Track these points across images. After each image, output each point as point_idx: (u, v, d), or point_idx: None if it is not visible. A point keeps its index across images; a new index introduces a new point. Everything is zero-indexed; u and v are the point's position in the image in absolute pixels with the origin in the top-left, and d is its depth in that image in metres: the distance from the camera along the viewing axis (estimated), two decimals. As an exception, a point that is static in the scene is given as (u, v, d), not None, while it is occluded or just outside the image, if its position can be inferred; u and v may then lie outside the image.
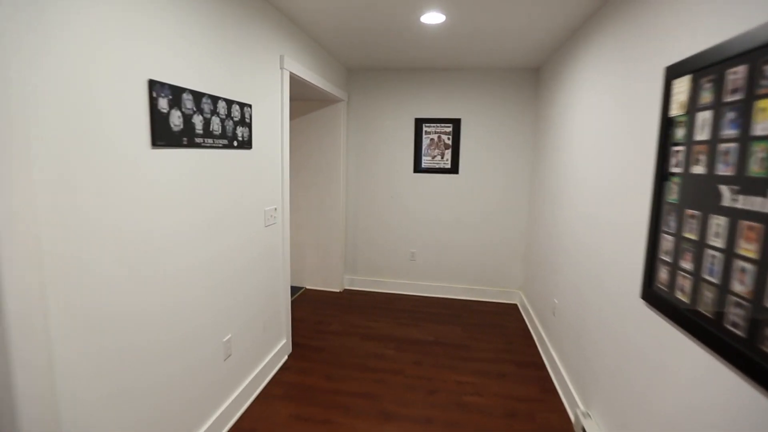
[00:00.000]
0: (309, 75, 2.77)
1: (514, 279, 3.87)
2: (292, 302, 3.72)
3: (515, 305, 3.82)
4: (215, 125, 1.74)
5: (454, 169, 3.81)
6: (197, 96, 1.60)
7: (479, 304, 3.83)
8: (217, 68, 1.75)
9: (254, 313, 2.24)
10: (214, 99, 1.72)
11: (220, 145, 1.80)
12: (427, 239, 3.95)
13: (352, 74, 3.85)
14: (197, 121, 1.61)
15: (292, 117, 3.88)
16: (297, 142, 3.90)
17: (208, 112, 1.69)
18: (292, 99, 3.77)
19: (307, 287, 4.12)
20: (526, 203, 3.74)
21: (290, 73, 2.47)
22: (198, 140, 1.63)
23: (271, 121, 2.30)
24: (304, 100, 3.80)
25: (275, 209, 2.40)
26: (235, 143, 1.91)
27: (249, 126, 2.03)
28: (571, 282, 2.33)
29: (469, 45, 2.92)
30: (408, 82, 3.77)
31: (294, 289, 4.04)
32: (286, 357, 2.69)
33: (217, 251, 1.84)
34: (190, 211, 1.62)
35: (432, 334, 3.12)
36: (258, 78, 2.11)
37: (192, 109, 1.58)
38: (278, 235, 2.48)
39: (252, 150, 2.09)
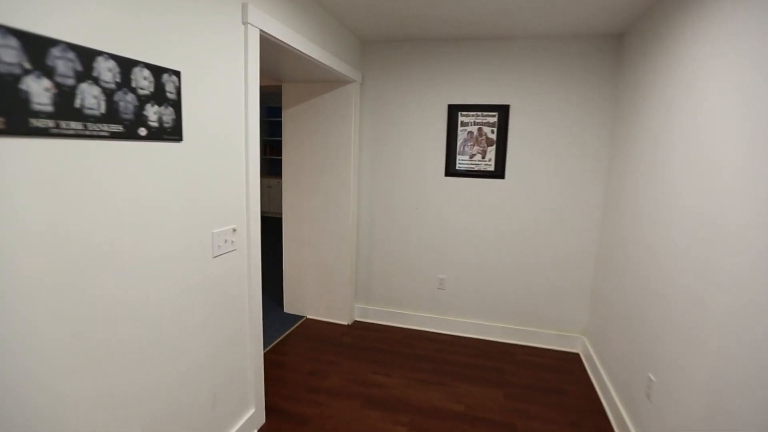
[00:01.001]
0: (297, 40, 2.06)
1: (576, 320, 2.98)
2: (287, 337, 3.04)
3: (577, 356, 2.93)
4: (89, 99, 1.06)
5: (498, 171, 2.99)
6: (37, 44, 0.93)
7: (527, 351, 2.98)
8: (100, 3, 1.07)
9: (194, 387, 1.56)
10: (88, 55, 1.04)
11: (106, 134, 1.11)
12: (460, 263, 3.15)
13: (367, 47, 3.11)
14: (36, 89, 0.94)
15: (288, 104, 3.20)
16: (295, 136, 3.22)
17: (71, 75, 1.01)
18: (288, 80, 3.09)
19: (309, 317, 3.43)
20: (596, 220, 2.85)
21: (260, 32, 1.77)
22: (42, 124, 0.95)
23: (226, 101, 1.61)
24: (303, 82, 3.11)
25: (234, 230, 1.71)
26: (144, 131, 1.23)
27: (175, 105, 1.34)
28: (686, 360, 1.47)
29: (523, 2, 2.10)
30: (440, 58, 2.98)
31: (292, 319, 3.36)
32: (254, 432, 2.00)
33: (103, 306, 1.16)
34: (45, 246, 0.95)
35: (462, 401, 2.33)
36: (197, 32, 1.42)
37: (21, 65, 0.90)
38: (240, 266, 1.79)
39: (183, 143, 1.40)
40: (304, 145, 3.21)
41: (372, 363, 2.72)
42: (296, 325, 3.27)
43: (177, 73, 1.34)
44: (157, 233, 1.32)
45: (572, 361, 2.86)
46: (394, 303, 3.34)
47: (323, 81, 3.04)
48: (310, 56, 2.24)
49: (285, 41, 1.95)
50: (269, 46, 2.03)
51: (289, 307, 3.49)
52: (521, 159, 2.93)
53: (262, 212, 8.59)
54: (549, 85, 2.81)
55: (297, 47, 2.07)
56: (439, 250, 3.18)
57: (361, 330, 3.23)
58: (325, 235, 3.26)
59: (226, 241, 1.66)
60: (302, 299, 3.43)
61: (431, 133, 3.07)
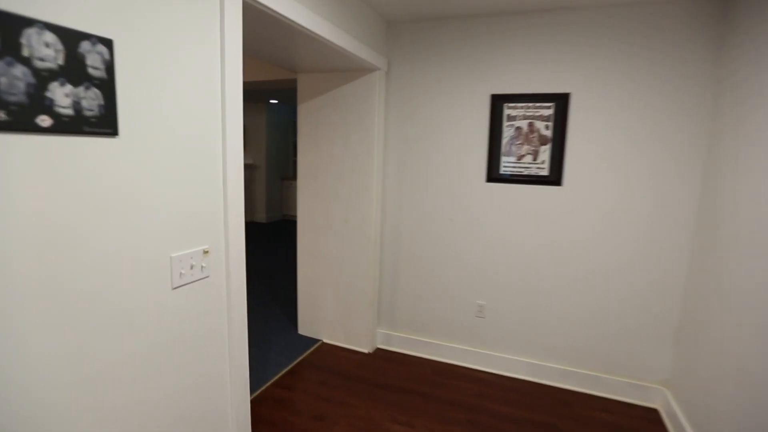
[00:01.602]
0: (302, 14, 1.69)
1: (656, 366, 2.39)
2: (297, 365, 2.68)
3: (656, 413, 2.35)
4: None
5: (554, 176, 2.47)
6: None
7: (589, 402, 2.43)
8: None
9: (140, 458, 1.21)
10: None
11: (-26, 123, 0.78)
12: (505, 287, 2.65)
13: (393, 29, 2.71)
14: None
15: (303, 98, 2.85)
16: (312, 134, 2.87)
17: None
18: (303, 70, 2.74)
19: (325, 340, 3.06)
20: (684, 241, 2.26)
21: (243, -3, 1.41)
22: None
23: (194, 86, 1.26)
24: (319, 72, 2.75)
25: (205, 252, 1.35)
26: (47, 121, 0.89)
27: (103, 86, 1.00)
28: None
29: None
30: (481, 37, 2.52)
31: (306, 343, 3.01)
32: (236, 502, 1.63)
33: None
34: None
35: (504, 473, 1.85)
36: (143, -11, 1.08)
37: None
38: (215, 296, 1.43)
39: (120, 139, 1.06)
40: (321, 144, 2.85)
41: (391, 407, 2.29)
42: (309, 351, 2.91)
43: (107, 42, 0.99)
44: (77, 264, 0.98)
45: (649, 421, 2.28)
46: (423, 330, 2.90)
47: (342, 70, 2.67)
48: (319, 35, 1.86)
49: (283, 13, 1.59)
50: (272, 24, 1.67)
51: (303, 329, 3.14)
52: (584, 161, 2.40)
53: (286, 215, 8.42)
54: (623, 67, 2.26)
55: (301, 22, 1.70)
56: (478, 270, 2.70)
57: (382, 360, 2.81)
58: (343, 248, 2.88)
59: (193, 266, 1.30)
60: (318, 320, 3.07)
61: (470, 129, 2.60)
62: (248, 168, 7.95)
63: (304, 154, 2.93)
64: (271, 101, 7.25)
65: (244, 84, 4.19)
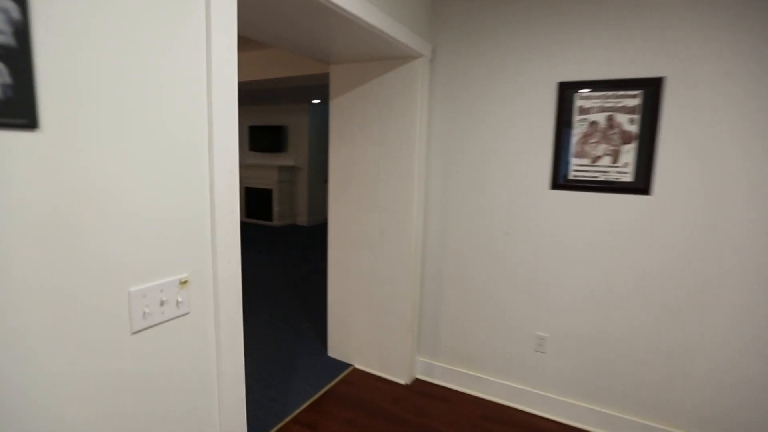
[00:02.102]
0: (318, -22, 1.34)
1: (783, 435, 1.80)
2: (323, 396, 2.34)
3: (783, 496, 1.76)
4: None
5: (641, 183, 1.95)
6: None
7: (686, 473, 1.88)
8: None
9: None
10: None
11: None
12: (572, 317, 2.16)
13: (440, 8, 2.30)
14: None
15: (336, 92, 2.52)
16: (344, 133, 2.53)
17: None
18: (335, 60, 2.40)
19: (357, 366, 2.71)
20: (833, 270, 1.67)
21: (237, -52, 1.08)
22: None
23: (166, 64, 0.94)
24: (353, 62, 2.40)
25: (182, 283, 1.03)
26: None
27: (13, 57, 0.69)
28: None
29: None
30: (547, 12, 2.06)
31: (335, 368, 2.67)
32: None
33: None
34: None
35: None
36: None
37: None
38: (199, 339, 1.11)
39: (43, 134, 0.75)
40: (354, 145, 2.50)
41: (431, 461, 1.88)
42: (339, 378, 2.56)
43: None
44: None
45: None
46: (471, 362, 2.46)
47: (379, 58, 2.30)
48: (351, 12, 1.51)
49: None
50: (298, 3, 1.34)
51: (334, 351, 2.80)
52: (682, 164, 1.86)
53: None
54: (737, 39, 1.71)
55: (318, -11, 1.35)
56: (539, 296, 2.22)
57: (421, 395, 2.40)
58: (379, 263, 2.51)
59: (164, 302, 0.98)
60: (349, 343, 2.72)
61: (532, 126, 2.14)
62: (289, 170, 7.83)
63: (336, 155, 2.59)
64: (314, 101, 7.06)
65: (280, 81, 3.95)
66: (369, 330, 2.61)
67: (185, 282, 1.03)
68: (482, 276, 2.36)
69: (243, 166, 8.06)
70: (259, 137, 8.08)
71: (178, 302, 1.02)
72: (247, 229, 7.37)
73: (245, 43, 3.67)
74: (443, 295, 2.50)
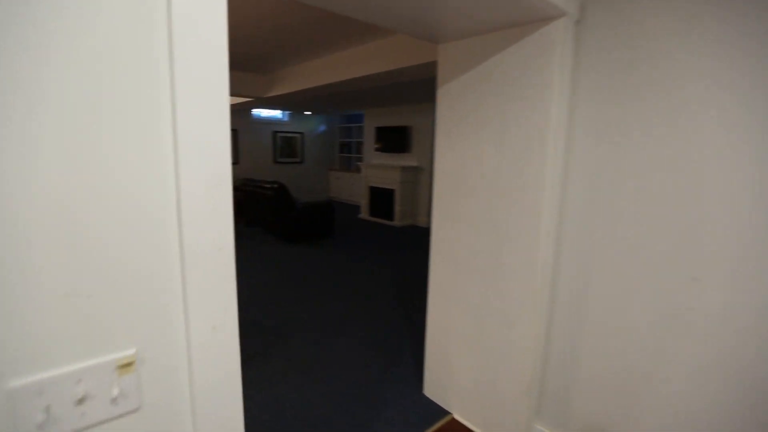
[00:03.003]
0: None
1: None
2: (405, 457, 1.84)
3: None
4: None
5: None
6: None
7: None
8: None
9: None
10: None
11: None
12: (825, 440, 1.19)
13: (600, -52, 1.53)
14: None
15: (446, 77, 1.94)
16: (453, 130, 1.94)
17: None
18: (445, 37, 1.82)
19: (455, 416, 2.12)
20: None
21: None
22: None
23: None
24: (467, 37, 1.79)
25: (122, 367, 0.63)
26: None
27: None
28: None
29: None
30: None
31: (429, 413, 2.13)
32: None
33: None
34: None
35: None
36: None
37: None
38: (166, 441, 0.70)
39: None
40: (466, 144, 1.90)
41: None
42: (432, 429, 2.02)
43: None
44: None
45: None
46: (618, 457, 1.64)
47: (500, 26, 1.65)
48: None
49: None
50: None
51: (430, 390, 2.26)
52: None
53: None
54: None
55: None
56: (746, 373, 1.31)
57: (539, 487, 1.70)
58: (492, 298, 1.87)
59: (84, 398, 0.59)
60: (449, 386, 2.14)
61: (740, 109, 1.24)
62: (412, 170, 7.48)
63: (442, 158, 2.03)
64: (439, 100, 6.52)
65: (396, 75, 3.53)
66: (474, 376, 2.00)
67: (128, 365, 0.63)
68: (649, 338, 1.52)
69: (369, 166, 8.02)
70: (384, 138, 7.94)
71: (114, 399, 0.62)
72: (368, 228, 7.28)
73: (344, 39, 3.35)
74: (579, 352, 1.73)
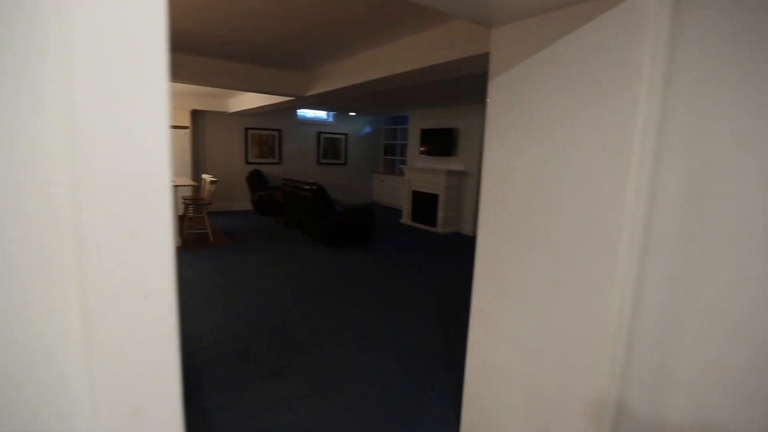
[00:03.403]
0: None
1: None
2: None
3: None
4: None
5: None
6: None
7: None
8: None
9: None
10: None
11: None
12: None
13: None
14: None
15: (499, 67, 1.64)
16: (506, 133, 1.63)
17: None
18: (500, 18, 1.52)
19: (497, 471, 1.79)
20: None
21: None
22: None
23: None
24: (520, 16, 1.47)
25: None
26: None
27: None
28: None
29: None
30: None
31: (463, 465, 1.82)
32: None
33: None
34: None
35: None
36: None
37: None
38: None
39: None
40: (520, 147, 1.58)
41: None
42: (467, 486, 1.71)
43: None
44: None
45: None
46: None
47: (569, 1, 1.33)
48: None
49: None
50: None
51: (467, 430, 1.96)
52: None
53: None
54: None
55: None
56: None
57: None
58: (547, 334, 1.54)
59: None
60: (490, 421, 1.82)
61: None
62: (458, 175, 7.11)
63: (492, 161, 1.73)
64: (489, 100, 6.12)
65: (442, 70, 3.25)
66: (521, 425, 1.67)
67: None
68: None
69: (412, 170, 7.76)
70: (429, 140, 7.64)
71: None
72: (410, 234, 7.01)
73: (388, 31, 3.11)
74: (665, 413, 1.35)
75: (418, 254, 5.65)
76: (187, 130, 7.56)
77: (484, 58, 2.66)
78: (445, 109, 7.39)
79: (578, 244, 1.39)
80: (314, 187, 5.58)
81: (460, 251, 5.93)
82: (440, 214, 7.15)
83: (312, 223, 5.86)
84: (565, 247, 1.44)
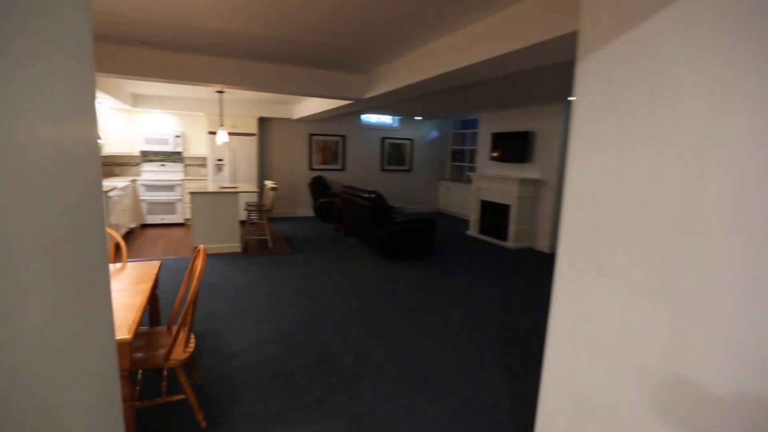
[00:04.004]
0: None
1: None
2: None
3: None
4: None
5: None
6: None
7: None
8: None
9: None
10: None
11: None
12: None
13: None
14: None
15: (585, 47, 1.19)
16: (593, 127, 1.18)
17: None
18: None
19: None
20: None
21: None
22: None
23: None
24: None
25: None
26: None
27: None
28: None
29: None
30: None
31: None
32: None
33: None
34: None
35: None
36: None
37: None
38: None
39: None
40: (624, 152, 1.13)
41: None
42: None
43: None
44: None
45: None
46: None
47: None
48: None
49: None
50: None
51: None
52: None
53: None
54: None
55: None
56: None
57: None
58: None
59: None
60: None
61: None
62: (533, 183, 6.44)
63: (577, 172, 1.28)
64: (571, 98, 5.43)
65: (518, 58, 2.80)
66: None
67: None
68: None
69: (481, 177, 7.22)
70: (501, 145, 7.05)
71: None
72: (476, 248, 6.48)
73: (452, 17, 2.72)
74: None
75: (484, 271, 5.13)
76: (254, 137, 7.81)
77: (568, 42, 2.18)
78: (519, 110, 6.76)
79: (721, 293, 0.91)
80: (373, 195, 5.34)
81: (534, 270, 5.29)
82: (511, 226, 6.52)
83: (370, 233, 5.62)
84: (699, 298, 0.96)
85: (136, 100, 7.03)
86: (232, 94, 6.60)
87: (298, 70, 4.45)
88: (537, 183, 6.44)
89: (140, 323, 1.73)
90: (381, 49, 3.60)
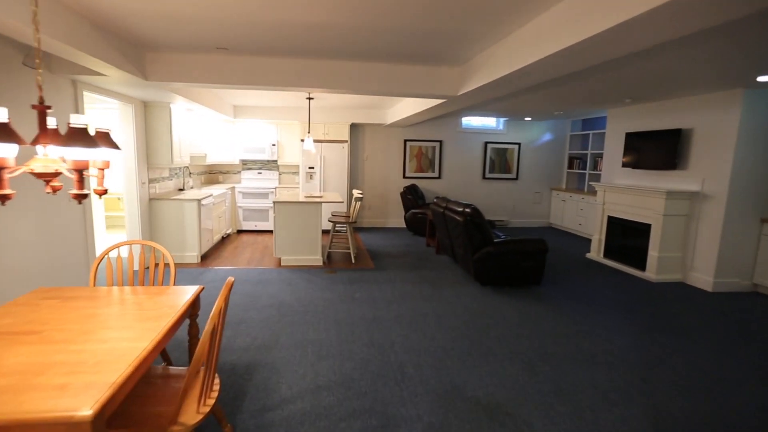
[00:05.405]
0: None
1: None
2: None
3: None
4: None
5: None
6: None
7: None
8: None
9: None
10: None
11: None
12: None
13: None
14: None
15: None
16: None
17: None
18: None
19: None
20: None
21: None
22: None
23: None
24: None
25: None
26: None
27: None
28: None
29: None
30: None
31: None
32: None
33: None
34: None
35: None
36: None
37: None
38: None
39: None
40: None
41: None
42: None
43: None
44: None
45: None
46: None
47: None
48: None
49: None
50: None
51: None
52: None
53: (761, 286, 4.61)
54: None
55: None
56: None
57: None
58: None
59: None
60: None
61: None
62: (687, 197, 4.98)
63: None
64: (761, 78, 3.96)
65: (663, 25, 1.89)
66: None
67: None
68: None
69: (610, 188, 5.91)
70: (638, 148, 5.67)
71: None
72: (601, 277, 5.24)
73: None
74: None
75: (612, 311, 3.99)
76: (346, 144, 7.62)
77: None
78: (666, 103, 5.35)
79: None
80: (468, 209, 4.59)
81: (691, 316, 3.97)
82: (653, 252, 5.14)
83: (463, 254, 4.87)
84: None
85: (237, 111, 7.37)
86: (322, 100, 6.46)
87: (384, 67, 3.98)
88: (694, 197, 4.97)
89: (128, 391, 1.32)
90: (478, 29, 2.90)
